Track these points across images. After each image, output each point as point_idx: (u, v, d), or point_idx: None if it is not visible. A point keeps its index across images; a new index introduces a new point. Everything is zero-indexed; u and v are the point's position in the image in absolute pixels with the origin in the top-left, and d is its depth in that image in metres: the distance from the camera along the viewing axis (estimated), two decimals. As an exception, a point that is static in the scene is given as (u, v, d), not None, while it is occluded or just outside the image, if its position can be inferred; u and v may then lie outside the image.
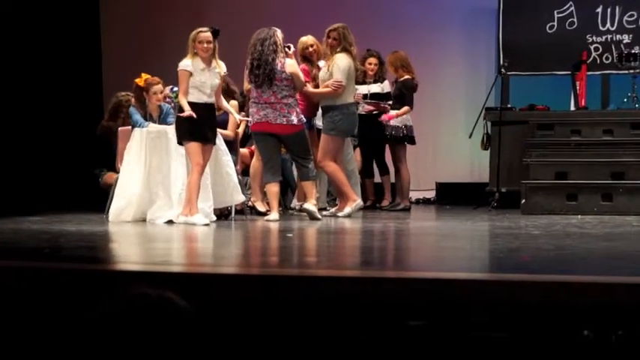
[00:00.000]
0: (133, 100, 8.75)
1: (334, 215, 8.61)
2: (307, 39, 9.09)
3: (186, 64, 7.72)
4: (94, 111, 10.93)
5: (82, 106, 11.25)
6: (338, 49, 8.69)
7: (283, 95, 8.23)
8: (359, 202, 8.73)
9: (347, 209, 8.57)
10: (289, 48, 8.48)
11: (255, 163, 8.87)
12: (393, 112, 9.89)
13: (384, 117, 9.91)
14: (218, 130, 8.11)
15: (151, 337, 2.11)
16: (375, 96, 10.01)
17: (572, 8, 11.02)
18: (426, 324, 3.54)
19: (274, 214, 8.13)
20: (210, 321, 3.62)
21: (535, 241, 6.33)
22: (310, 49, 9.05)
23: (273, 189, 8.31)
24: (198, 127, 7.69)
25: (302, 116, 8.37)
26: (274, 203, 8.25)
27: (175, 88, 8.22)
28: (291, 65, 8.29)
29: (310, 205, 8.26)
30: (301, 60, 8.97)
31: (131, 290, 2.19)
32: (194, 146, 7.69)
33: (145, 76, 8.51)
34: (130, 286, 2.20)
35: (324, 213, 8.63)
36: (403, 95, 9.95)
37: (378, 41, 10.46)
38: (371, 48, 10.23)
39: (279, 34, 8.25)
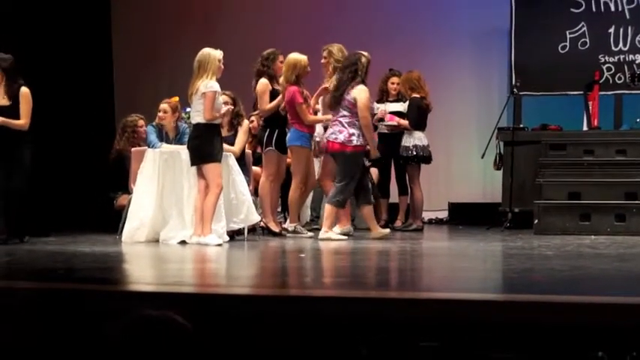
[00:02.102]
0: (141, 120, 8.88)
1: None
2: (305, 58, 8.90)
3: (218, 85, 7.76)
4: (107, 133, 10.99)
5: (95, 129, 11.31)
6: (330, 69, 8.78)
7: (343, 114, 8.34)
8: (350, 228, 8.79)
9: (336, 229, 8.58)
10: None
11: (265, 183, 8.88)
12: (395, 118, 9.96)
13: (381, 113, 10.01)
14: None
15: (155, 356, 2.13)
16: (396, 115, 10.06)
17: (585, 28, 11.03)
18: (439, 345, 3.53)
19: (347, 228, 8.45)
20: (222, 340, 3.63)
21: (548, 261, 6.31)
22: (308, 69, 8.98)
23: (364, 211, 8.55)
24: (221, 149, 7.79)
25: (354, 138, 8.31)
26: (372, 223, 8.49)
27: (188, 109, 8.25)
28: (359, 91, 8.35)
29: (324, 234, 8.31)
30: (294, 80, 8.75)
31: (134, 312, 2.20)
32: (220, 167, 7.75)
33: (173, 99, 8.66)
34: (133, 308, 2.22)
35: (310, 233, 8.77)
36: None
37: (392, 62, 10.49)
38: (392, 68, 10.30)
39: (363, 59, 8.42)
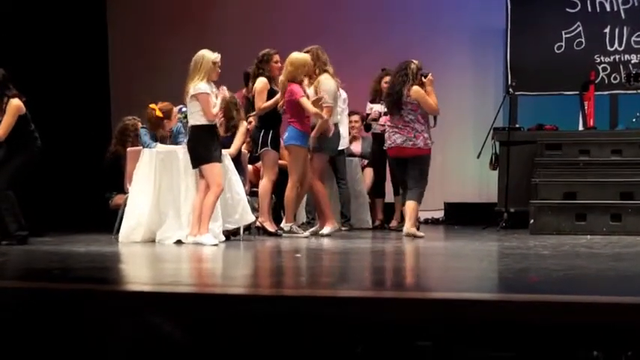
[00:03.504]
0: (140, 123, 8.88)
1: (316, 234, 8.82)
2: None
3: (206, 87, 7.74)
4: (103, 134, 11.00)
5: (91, 129, 11.31)
6: (316, 71, 8.88)
7: (410, 119, 8.72)
8: (336, 225, 9.07)
9: (327, 228, 8.84)
10: (424, 76, 8.82)
11: (266, 184, 8.87)
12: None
13: (375, 113, 10.08)
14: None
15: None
16: None
17: (580, 28, 11.04)
18: (434, 344, 3.53)
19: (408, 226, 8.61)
20: (218, 340, 3.63)
21: (544, 261, 6.31)
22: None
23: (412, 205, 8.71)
24: (219, 148, 7.79)
25: (429, 141, 8.77)
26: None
27: (184, 109, 8.25)
28: (415, 91, 8.68)
29: (409, 229, 8.62)
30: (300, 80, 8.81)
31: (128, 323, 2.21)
32: (219, 167, 7.76)
33: (156, 107, 8.61)
34: (129, 309, 2.23)
35: (306, 233, 8.82)
36: None
37: (387, 61, 10.48)
38: (384, 68, 10.29)
39: (412, 65, 8.76)
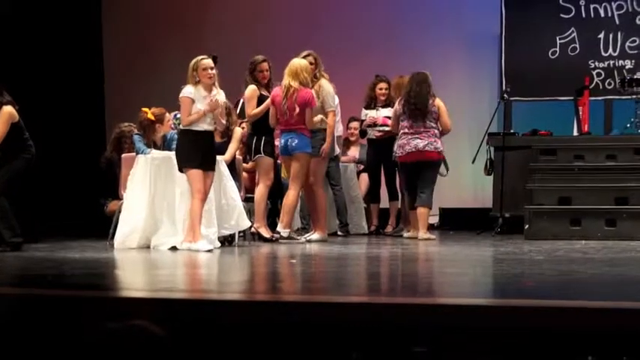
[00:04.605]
0: (135, 129, 8.86)
1: (308, 240, 8.84)
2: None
3: (188, 91, 7.74)
4: (97, 139, 10.98)
5: (85, 135, 11.30)
6: (316, 74, 8.95)
7: (431, 126, 9.27)
8: (326, 236, 9.08)
9: (316, 235, 8.89)
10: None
11: (262, 189, 8.87)
12: (388, 121, 9.93)
13: (370, 119, 10.11)
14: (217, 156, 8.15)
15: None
16: (387, 119, 10.08)
17: (575, 34, 11.06)
18: (430, 350, 3.53)
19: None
20: (212, 347, 3.62)
21: (539, 266, 6.32)
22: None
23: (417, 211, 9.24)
24: (199, 155, 7.73)
25: (442, 147, 9.32)
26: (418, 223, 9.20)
27: (179, 115, 8.26)
28: (438, 102, 9.33)
29: (424, 235, 9.15)
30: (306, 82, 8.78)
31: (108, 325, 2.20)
32: (195, 173, 7.72)
33: (148, 110, 8.62)
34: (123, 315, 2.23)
35: (301, 239, 8.83)
36: None
37: (381, 67, 10.50)
38: (378, 74, 10.30)
39: (430, 78, 9.36)
